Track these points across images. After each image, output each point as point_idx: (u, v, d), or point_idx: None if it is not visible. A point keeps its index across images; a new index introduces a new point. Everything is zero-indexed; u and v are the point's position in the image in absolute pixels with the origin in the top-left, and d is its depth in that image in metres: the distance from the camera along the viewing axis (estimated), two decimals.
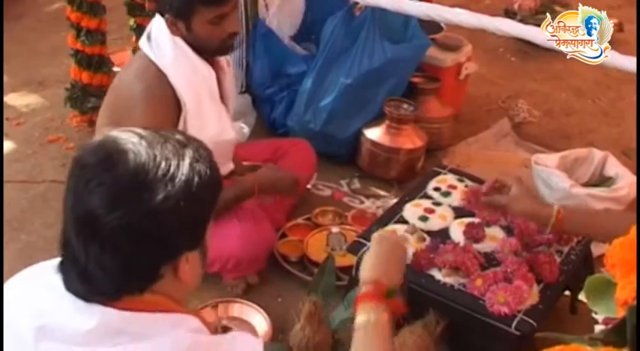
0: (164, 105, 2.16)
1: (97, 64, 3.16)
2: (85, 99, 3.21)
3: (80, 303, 1.09)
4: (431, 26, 3.26)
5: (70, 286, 1.10)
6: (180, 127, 2.19)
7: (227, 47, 2.26)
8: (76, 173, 1.09)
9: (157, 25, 2.20)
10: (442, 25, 3.36)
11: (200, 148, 1.15)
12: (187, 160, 1.09)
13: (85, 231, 1.06)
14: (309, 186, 2.93)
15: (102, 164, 1.06)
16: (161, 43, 2.18)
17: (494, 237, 2.15)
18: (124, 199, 1.04)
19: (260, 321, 2.25)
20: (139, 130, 1.12)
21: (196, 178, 1.09)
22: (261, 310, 2.27)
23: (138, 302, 1.10)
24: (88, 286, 1.08)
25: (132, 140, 1.09)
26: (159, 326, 1.09)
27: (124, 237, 1.05)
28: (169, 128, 2.08)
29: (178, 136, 1.14)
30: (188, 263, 1.13)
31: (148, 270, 1.10)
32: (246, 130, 3.26)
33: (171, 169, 1.07)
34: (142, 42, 2.22)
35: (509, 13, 4.42)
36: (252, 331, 2.23)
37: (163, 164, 1.07)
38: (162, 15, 2.16)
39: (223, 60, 2.37)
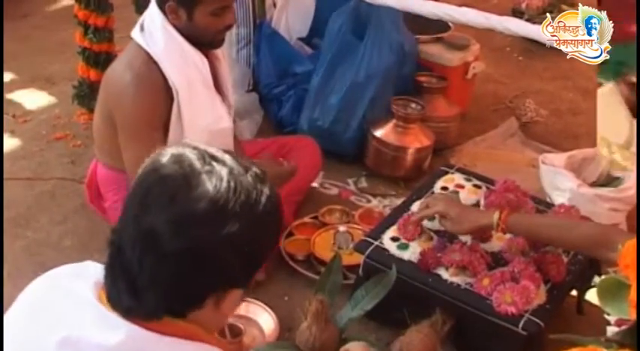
0: (154, 93, 2.15)
1: (105, 61, 3.15)
2: (93, 96, 3.19)
3: (106, 316, 1.03)
4: (438, 25, 3.25)
5: (112, 296, 1.04)
6: (174, 115, 2.18)
7: (219, 40, 2.26)
8: (151, 179, 1.02)
9: (151, 14, 2.20)
10: (449, 24, 3.35)
11: (273, 185, 1.08)
12: (264, 197, 1.04)
13: (143, 244, 1.00)
14: (315, 184, 2.92)
15: (184, 179, 1.00)
16: (153, 31, 2.18)
17: (502, 236, 2.14)
18: (194, 224, 0.98)
19: (267, 319, 2.25)
20: (223, 154, 1.06)
21: (269, 218, 1.05)
22: (268, 309, 2.27)
23: (168, 325, 1.04)
24: (133, 299, 1.02)
25: (216, 163, 1.03)
26: None
27: (183, 260, 0.99)
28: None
29: (256, 169, 1.07)
30: (231, 299, 1.08)
31: (196, 297, 1.04)
32: (254, 128, 3.26)
33: (250, 203, 1.02)
34: (135, 32, 2.21)
35: (517, 12, 4.40)
36: (259, 329, 2.23)
37: (243, 197, 1.01)
38: (163, 2, 2.16)
39: (219, 50, 2.36)
